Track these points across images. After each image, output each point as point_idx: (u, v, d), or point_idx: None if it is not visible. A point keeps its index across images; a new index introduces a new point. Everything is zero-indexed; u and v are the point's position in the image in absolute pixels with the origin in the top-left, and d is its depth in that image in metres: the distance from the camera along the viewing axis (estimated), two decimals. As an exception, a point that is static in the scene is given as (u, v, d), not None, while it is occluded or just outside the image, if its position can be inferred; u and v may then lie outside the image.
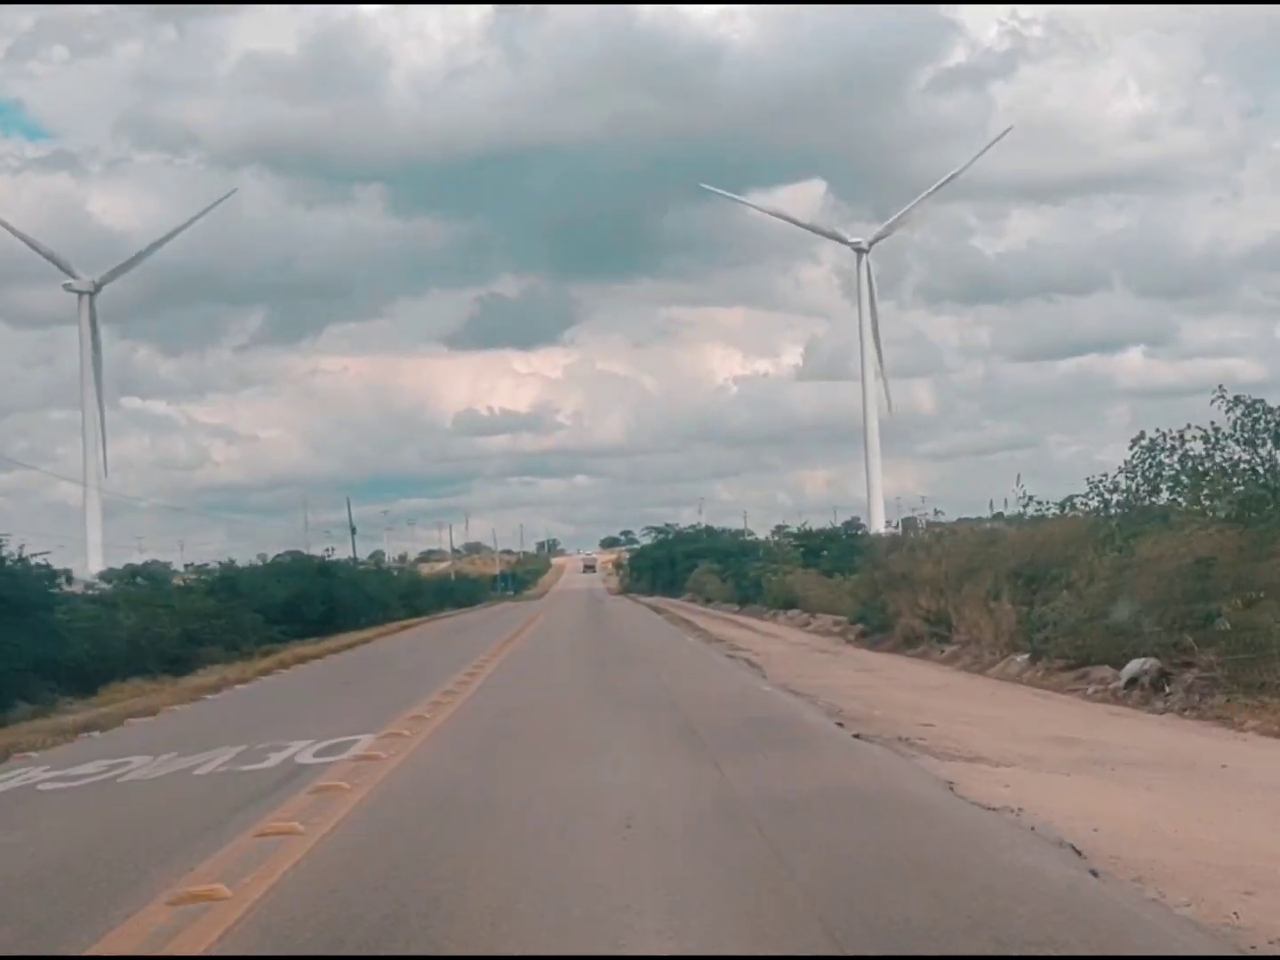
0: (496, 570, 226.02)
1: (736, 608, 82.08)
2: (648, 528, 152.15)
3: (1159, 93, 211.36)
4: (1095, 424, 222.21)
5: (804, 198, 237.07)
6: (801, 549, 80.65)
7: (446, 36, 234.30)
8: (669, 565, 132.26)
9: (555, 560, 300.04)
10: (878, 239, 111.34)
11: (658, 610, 78.31)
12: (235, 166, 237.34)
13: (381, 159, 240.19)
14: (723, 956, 7.95)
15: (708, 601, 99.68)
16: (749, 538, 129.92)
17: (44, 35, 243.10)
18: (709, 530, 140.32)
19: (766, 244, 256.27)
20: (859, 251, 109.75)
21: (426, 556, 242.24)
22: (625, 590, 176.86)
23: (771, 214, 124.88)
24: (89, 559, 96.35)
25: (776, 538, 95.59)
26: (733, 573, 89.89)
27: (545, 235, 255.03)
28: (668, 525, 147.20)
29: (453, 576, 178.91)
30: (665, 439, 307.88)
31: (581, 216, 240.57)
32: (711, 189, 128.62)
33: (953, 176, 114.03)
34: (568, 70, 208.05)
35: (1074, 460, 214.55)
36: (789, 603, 69.88)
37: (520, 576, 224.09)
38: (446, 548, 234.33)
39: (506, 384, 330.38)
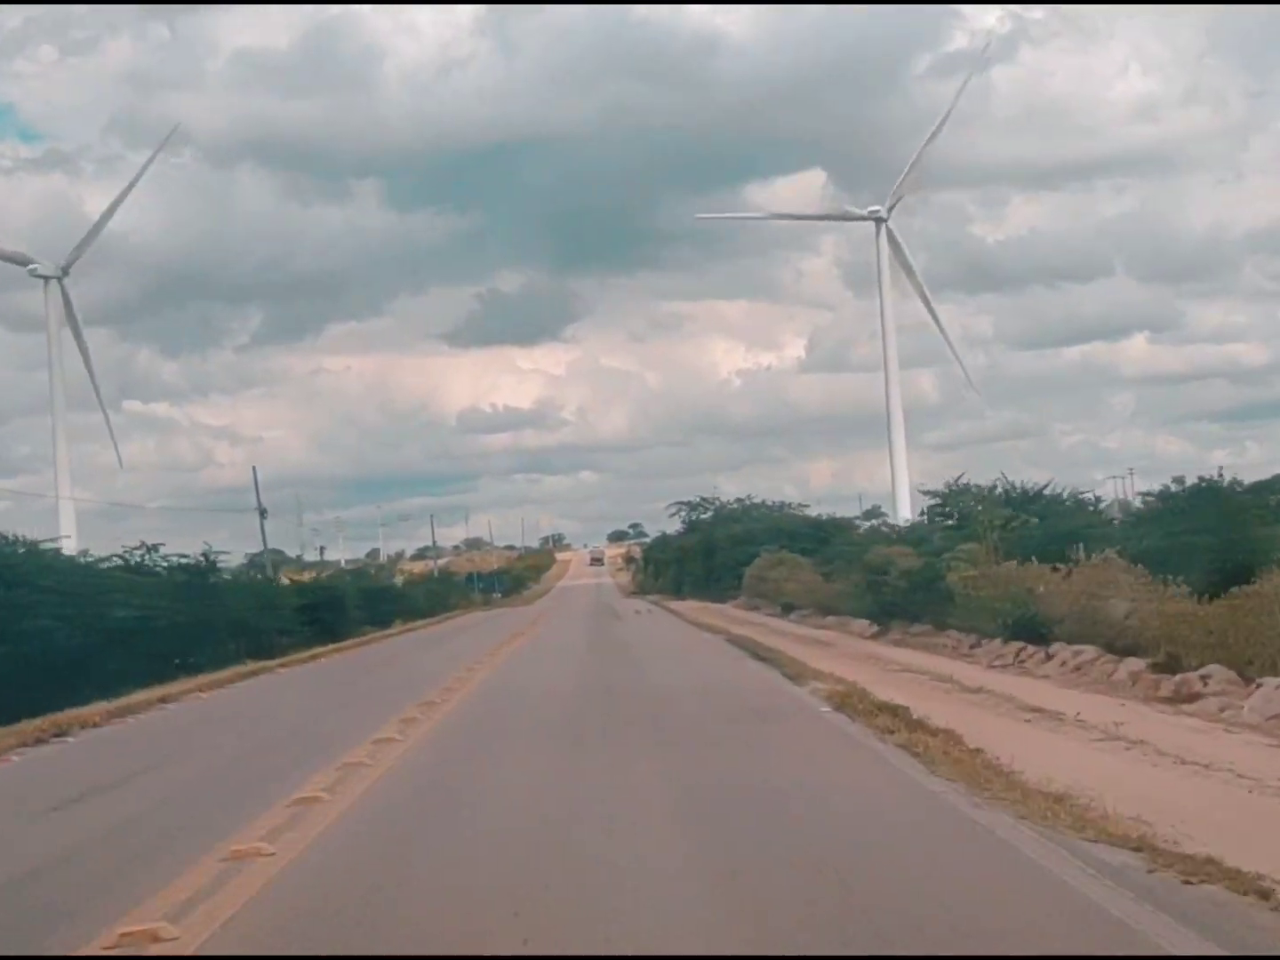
0: (495, 566, 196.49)
1: (872, 629, 42.11)
2: (676, 504, 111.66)
3: (1161, 74, 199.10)
4: (1099, 412, 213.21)
5: (804, 188, 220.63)
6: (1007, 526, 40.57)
7: (438, 31, 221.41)
8: (704, 555, 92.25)
9: (560, 556, 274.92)
10: (895, 203, 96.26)
11: (748, 649, 34.97)
12: (229, 163, 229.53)
13: (377, 154, 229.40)
14: (722, 956, 7.69)
15: (787, 611, 59.95)
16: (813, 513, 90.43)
17: (31, 34, 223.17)
18: (764, 505, 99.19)
19: (767, 236, 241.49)
20: (878, 221, 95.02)
21: (422, 554, 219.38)
22: (640, 589, 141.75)
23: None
24: None
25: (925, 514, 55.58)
26: (847, 567, 49.73)
27: (544, 229, 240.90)
28: (703, 499, 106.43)
29: (435, 574, 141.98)
30: (669, 433, 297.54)
31: (580, 210, 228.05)
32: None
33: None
34: (562, 62, 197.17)
35: (1078, 448, 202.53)
36: (1029, 628, 30.14)
37: (518, 574, 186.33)
38: (445, 545, 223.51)
39: (509, 381, 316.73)
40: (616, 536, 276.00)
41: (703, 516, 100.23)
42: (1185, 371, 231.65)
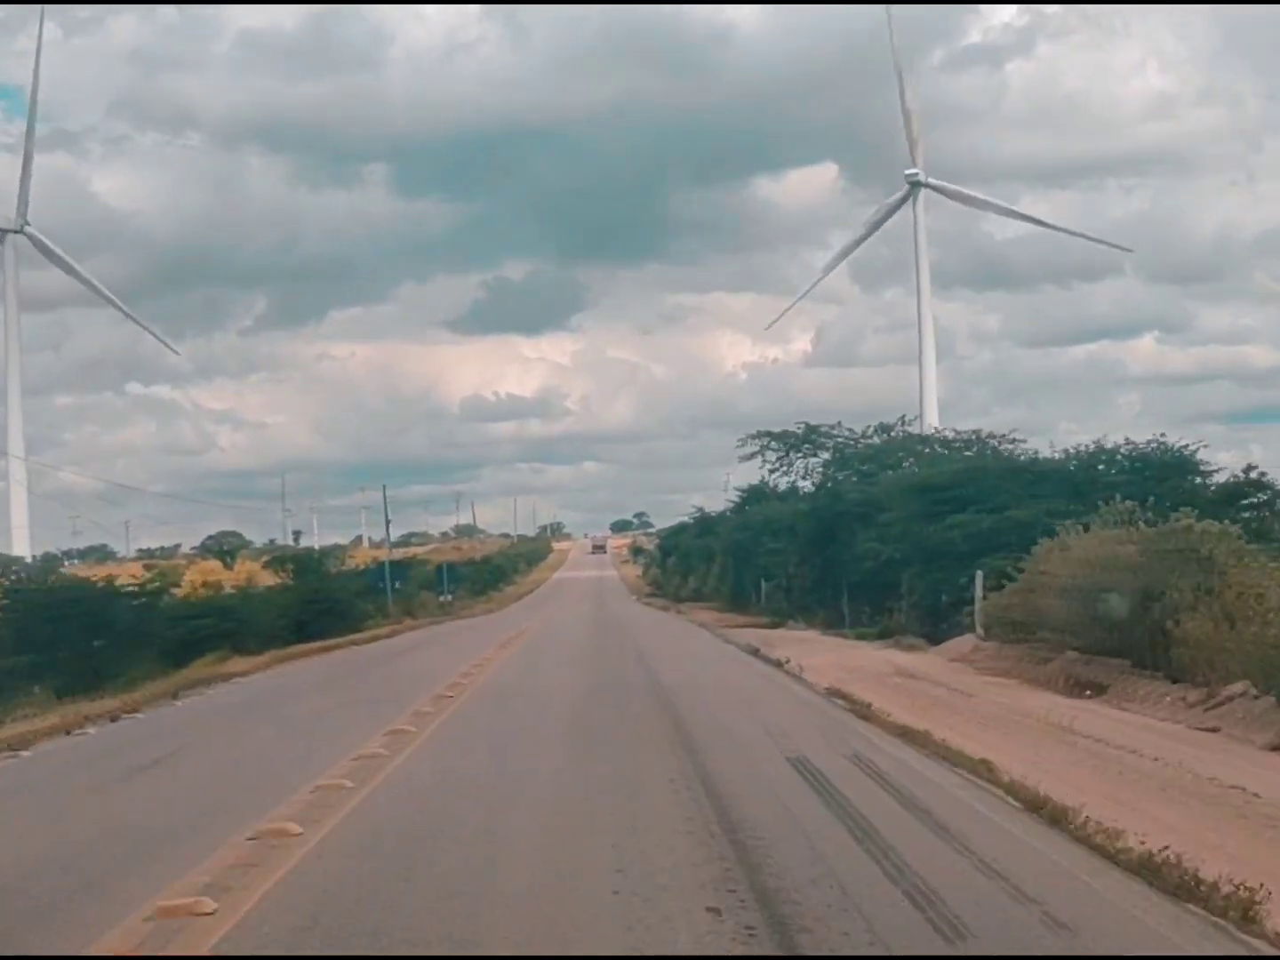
0: (478, 554, 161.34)
1: None
2: (757, 435, 59.49)
3: (1177, 73, 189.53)
4: (1106, 411, 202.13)
5: (815, 181, 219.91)
6: None
7: (445, 15, 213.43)
8: (816, 538, 45.39)
9: (559, 545, 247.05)
10: (937, 188, 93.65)
11: None
12: (236, 146, 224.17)
13: (383, 139, 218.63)
14: (722, 956, 7.54)
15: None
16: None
17: (34, 11, 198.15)
18: (933, 438, 48.54)
19: (774, 228, 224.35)
20: (914, 185, 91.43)
21: (407, 540, 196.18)
22: (659, 588, 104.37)
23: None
24: (13, 543, 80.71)
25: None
26: None
27: (551, 218, 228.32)
28: (811, 430, 54.24)
29: (388, 571, 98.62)
30: (674, 425, 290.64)
31: (587, 199, 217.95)
32: None
33: (1039, 223, 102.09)
34: (571, 49, 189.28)
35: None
36: None
37: (498, 565, 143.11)
38: (436, 532, 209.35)
39: (514, 370, 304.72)
40: (620, 526, 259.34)
41: (811, 460, 51.12)
42: (1193, 372, 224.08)
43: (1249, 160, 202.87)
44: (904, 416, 48.63)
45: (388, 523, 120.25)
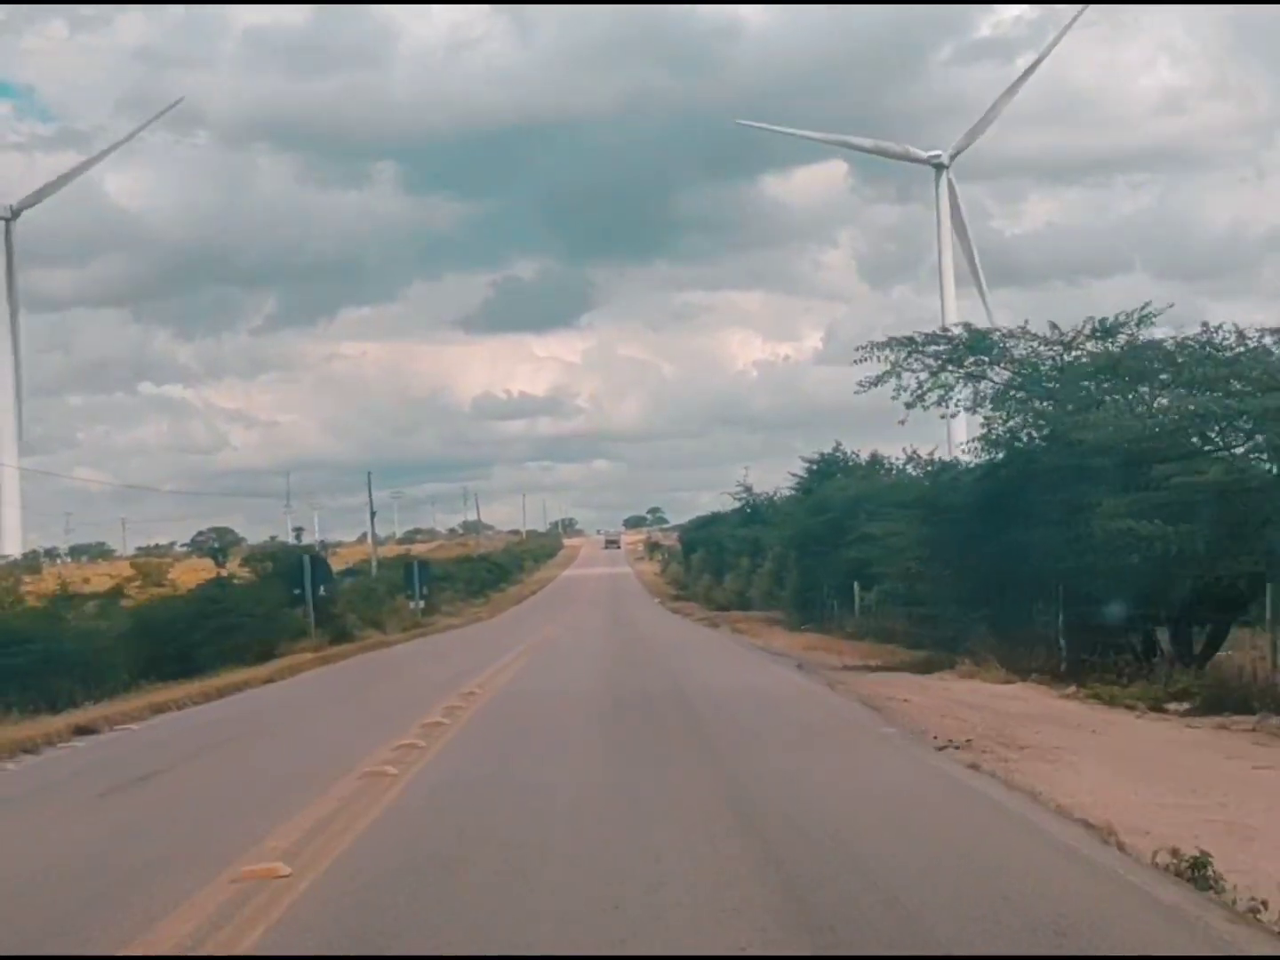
0: (498, 550, 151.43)
1: None
2: (886, 343, 29.03)
3: (1188, 68, 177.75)
4: None
5: (825, 178, 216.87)
6: None
7: (451, 12, 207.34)
8: (989, 520, 25.95)
9: (570, 541, 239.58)
10: (958, 150, 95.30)
11: None
12: (244, 145, 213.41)
13: (391, 136, 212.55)
14: (721, 956, 7.38)
15: None
16: None
17: (40, 9, 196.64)
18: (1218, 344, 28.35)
19: (784, 226, 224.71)
20: (938, 168, 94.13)
21: (410, 537, 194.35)
22: (685, 591, 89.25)
23: (827, 141, 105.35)
24: (3, 541, 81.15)
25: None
26: None
27: (560, 216, 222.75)
28: (996, 340, 28.03)
29: (374, 569, 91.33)
30: (685, 423, 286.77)
31: (596, 197, 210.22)
32: (749, 124, 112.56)
33: (1034, 66, 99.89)
34: (578, 45, 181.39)
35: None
36: None
37: (500, 562, 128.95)
38: (444, 529, 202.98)
39: (524, 368, 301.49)
40: (634, 522, 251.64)
41: (981, 384, 29.22)
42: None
43: (1259, 156, 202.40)
44: (1136, 311, 28.02)
45: (372, 515, 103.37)
